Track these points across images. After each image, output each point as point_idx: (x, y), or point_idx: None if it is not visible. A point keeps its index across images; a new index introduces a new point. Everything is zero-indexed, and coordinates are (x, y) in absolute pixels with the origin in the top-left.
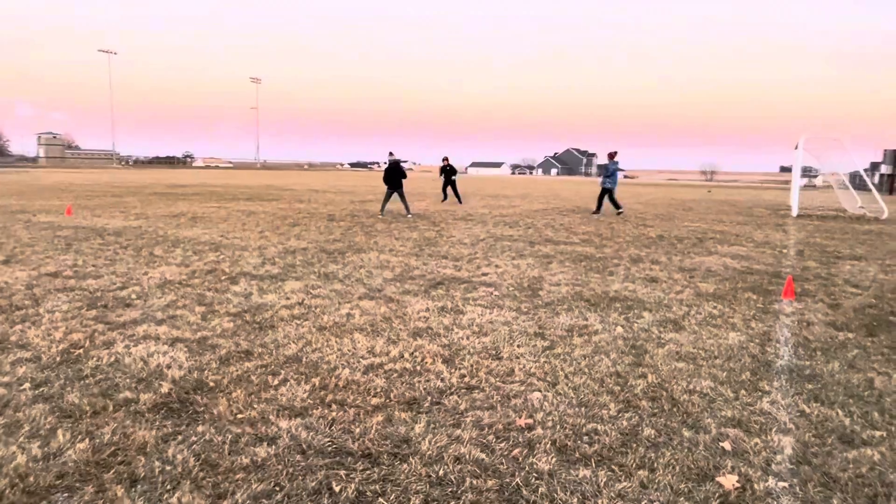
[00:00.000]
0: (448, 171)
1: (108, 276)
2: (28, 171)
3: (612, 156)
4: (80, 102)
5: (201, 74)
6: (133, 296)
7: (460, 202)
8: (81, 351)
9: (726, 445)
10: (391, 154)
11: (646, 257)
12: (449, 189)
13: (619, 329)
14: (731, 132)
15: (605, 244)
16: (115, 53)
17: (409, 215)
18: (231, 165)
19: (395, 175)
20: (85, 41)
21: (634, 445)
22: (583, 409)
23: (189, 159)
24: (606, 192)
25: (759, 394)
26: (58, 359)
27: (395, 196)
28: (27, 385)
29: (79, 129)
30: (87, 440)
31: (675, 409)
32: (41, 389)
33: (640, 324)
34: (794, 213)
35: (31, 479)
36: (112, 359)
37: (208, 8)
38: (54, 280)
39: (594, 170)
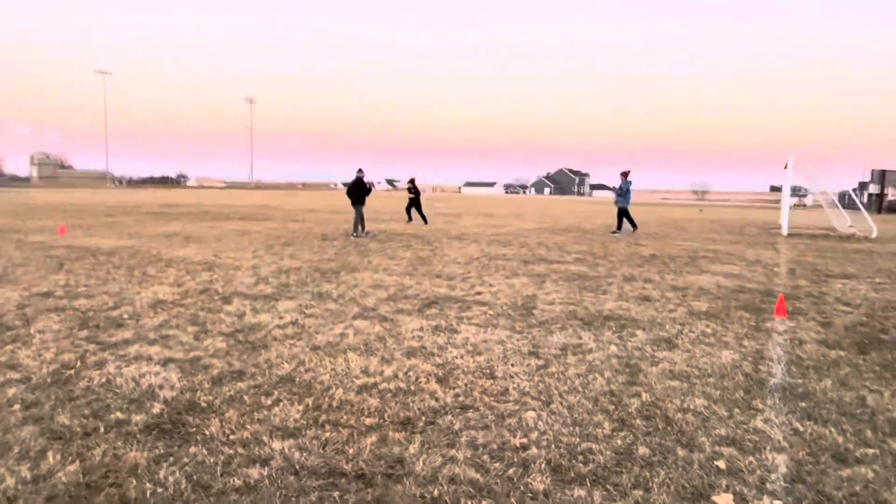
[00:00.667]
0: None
1: (101, 296)
2: (20, 191)
3: (625, 174)
4: (75, 122)
5: (196, 95)
6: (125, 316)
7: (417, 220)
8: (72, 371)
9: (721, 464)
10: (360, 171)
11: (639, 276)
12: (414, 210)
13: (613, 348)
14: (722, 152)
15: (598, 263)
16: (111, 74)
17: (355, 235)
18: (225, 185)
19: (356, 191)
20: (80, 61)
21: (629, 465)
22: (577, 428)
23: (183, 179)
24: (623, 210)
25: (753, 412)
26: (48, 380)
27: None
28: (17, 406)
29: (73, 149)
30: (77, 462)
31: (669, 428)
32: (31, 411)
33: (634, 342)
34: (785, 231)
35: (21, 501)
36: (103, 379)
37: (203, 29)
38: (46, 300)
39: (586, 189)
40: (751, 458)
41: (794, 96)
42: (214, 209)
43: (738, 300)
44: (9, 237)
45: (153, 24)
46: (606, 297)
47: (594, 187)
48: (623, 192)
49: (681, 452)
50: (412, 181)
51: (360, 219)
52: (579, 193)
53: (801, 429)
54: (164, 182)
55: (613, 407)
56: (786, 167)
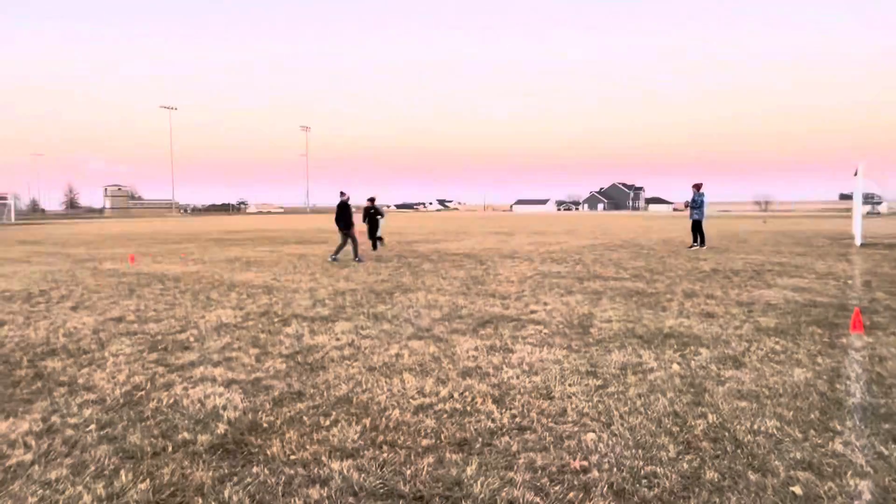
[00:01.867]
0: (371, 215)
1: (168, 320)
2: (95, 222)
3: (697, 187)
4: (143, 155)
5: (253, 124)
6: (191, 339)
7: (375, 248)
8: (143, 393)
9: (797, 490)
10: (343, 194)
11: (700, 291)
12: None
13: (676, 367)
14: (786, 160)
15: (656, 279)
16: (176, 109)
17: (333, 258)
18: (283, 210)
19: (343, 215)
20: (148, 97)
21: (697, 489)
22: (640, 450)
23: (243, 206)
24: (698, 223)
25: (831, 434)
26: (121, 401)
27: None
28: (93, 426)
29: (141, 181)
30: (147, 480)
31: (739, 451)
32: (106, 430)
33: (698, 361)
34: (858, 241)
35: None
36: (171, 400)
37: (259, 59)
38: (118, 324)
39: (641, 203)
40: (830, 484)
41: (863, 101)
42: (273, 234)
43: (810, 315)
44: (85, 265)
45: (213, 56)
46: (666, 314)
47: (649, 201)
48: (699, 205)
49: (752, 477)
50: (372, 200)
51: (348, 243)
52: (634, 208)
53: (885, 452)
54: (225, 209)
55: (678, 429)
56: (856, 174)
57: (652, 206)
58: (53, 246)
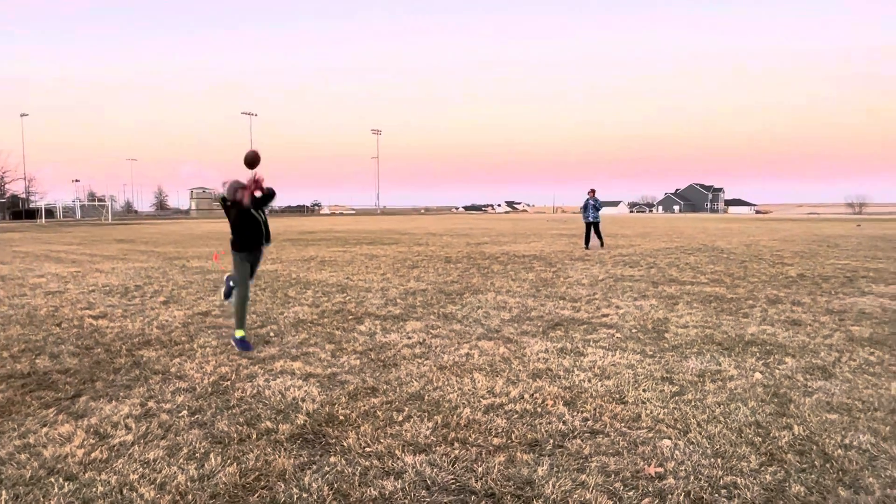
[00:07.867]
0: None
1: (250, 316)
2: (182, 222)
3: (592, 192)
4: (227, 159)
5: (325, 129)
6: (271, 333)
7: None
8: (229, 383)
9: None
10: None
11: (785, 298)
12: None
13: (758, 375)
14: (883, 159)
15: (737, 284)
16: (256, 115)
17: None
18: (354, 212)
19: None
20: (230, 104)
21: (781, 503)
22: (719, 459)
23: (317, 207)
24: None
25: None
26: (209, 389)
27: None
28: (185, 412)
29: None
30: (234, 465)
31: (828, 466)
32: (196, 416)
33: (783, 370)
34: None
35: (190, 497)
36: (254, 391)
37: (329, 62)
38: (205, 318)
39: (720, 205)
40: None
41: None
42: (345, 235)
43: None
44: (175, 263)
45: (286, 63)
46: (748, 321)
47: (729, 203)
48: (598, 208)
49: (843, 493)
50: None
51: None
52: (712, 210)
53: None
54: (300, 210)
55: (760, 439)
56: None
57: (732, 209)
58: (145, 244)
